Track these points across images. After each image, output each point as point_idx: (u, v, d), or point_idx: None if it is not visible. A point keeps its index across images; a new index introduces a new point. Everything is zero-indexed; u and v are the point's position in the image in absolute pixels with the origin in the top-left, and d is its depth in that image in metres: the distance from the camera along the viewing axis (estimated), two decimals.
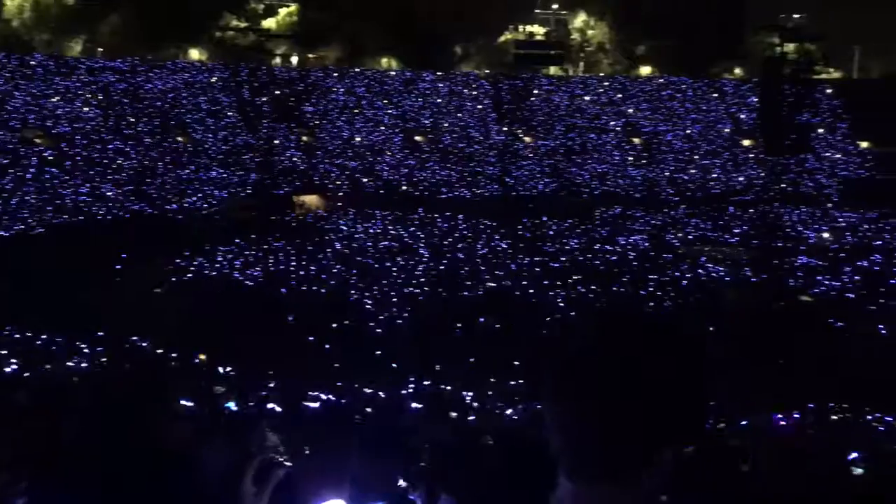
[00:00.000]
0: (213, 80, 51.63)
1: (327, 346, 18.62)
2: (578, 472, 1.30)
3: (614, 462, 1.27)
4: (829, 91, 55.57)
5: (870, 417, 14.76)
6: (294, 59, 60.74)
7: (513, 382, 14.73)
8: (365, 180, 46.99)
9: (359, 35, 62.07)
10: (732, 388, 15.75)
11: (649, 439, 1.26)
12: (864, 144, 53.85)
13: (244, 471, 2.98)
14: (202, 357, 16.14)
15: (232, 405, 9.48)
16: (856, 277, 29.86)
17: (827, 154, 52.75)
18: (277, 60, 56.03)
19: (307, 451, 3.06)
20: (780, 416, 14.54)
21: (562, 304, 24.38)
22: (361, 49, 62.96)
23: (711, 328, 20.92)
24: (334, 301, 24.12)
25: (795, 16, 65.81)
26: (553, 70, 64.67)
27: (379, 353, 18.40)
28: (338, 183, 46.16)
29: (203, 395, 10.22)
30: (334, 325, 21.13)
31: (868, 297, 26.77)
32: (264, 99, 44.08)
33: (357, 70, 58.02)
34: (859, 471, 10.11)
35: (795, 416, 14.49)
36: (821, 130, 52.33)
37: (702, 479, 5.86)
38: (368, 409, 10.96)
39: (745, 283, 29.12)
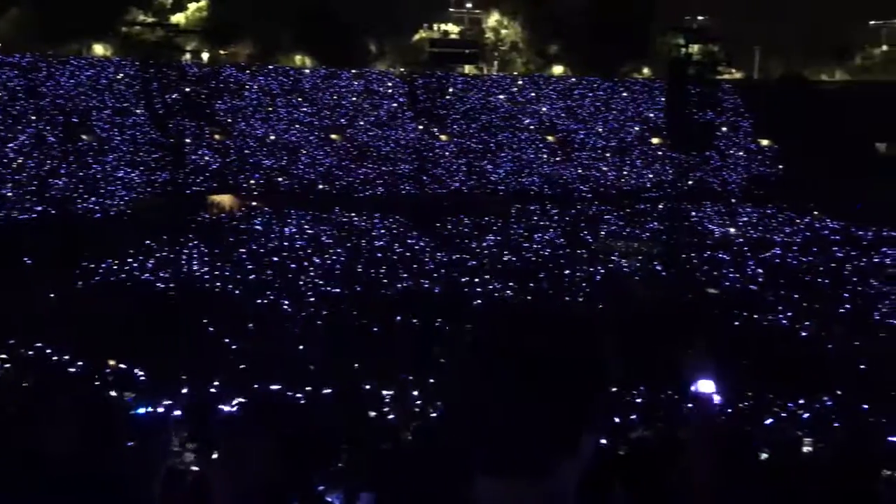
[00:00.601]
0: (120, 76, 50.06)
1: (242, 348, 18.28)
2: (493, 468, 1.30)
3: (528, 456, 1.28)
4: (731, 91, 57.80)
5: (774, 405, 15.41)
6: (205, 56, 59.39)
7: (431, 380, 14.79)
8: (280, 179, 46.31)
9: (271, 32, 61.15)
10: (644, 380, 16.25)
11: (562, 433, 1.28)
12: (765, 142, 56.21)
13: (153, 476, 2.91)
14: (111, 362, 15.61)
15: (141, 410, 9.22)
16: (758, 270, 31.12)
17: (731, 152, 54.84)
18: (187, 57, 54.62)
19: (218, 455, 3.00)
20: (691, 406, 15.00)
21: (479, 302, 24.59)
22: (274, 46, 62.05)
23: (623, 321, 21.50)
24: (249, 302, 23.71)
25: (700, 18, 68.24)
26: (468, 68, 65.15)
27: (295, 353, 18.19)
28: (252, 182, 45.33)
29: (110, 401, 9.89)
30: (249, 327, 20.78)
31: (770, 288, 27.95)
32: (174, 96, 42.86)
33: (270, 67, 57.16)
34: (765, 456, 10.54)
35: (706, 406, 14.97)
36: (725, 129, 54.36)
37: (618, 471, 6.00)
38: (284, 411, 10.83)
39: (655, 277, 29.98)
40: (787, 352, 20.06)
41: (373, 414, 11.63)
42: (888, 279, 29.65)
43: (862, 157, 49.28)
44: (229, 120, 50.23)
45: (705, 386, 2.46)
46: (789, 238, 39.28)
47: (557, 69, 69.32)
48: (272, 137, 50.16)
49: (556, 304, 23.80)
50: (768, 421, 13.97)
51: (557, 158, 53.31)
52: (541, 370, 1.28)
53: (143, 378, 14.44)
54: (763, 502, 6.64)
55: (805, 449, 10.55)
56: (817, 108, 51.74)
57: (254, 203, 42.22)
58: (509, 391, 1.28)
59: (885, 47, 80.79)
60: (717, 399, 2.58)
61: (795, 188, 47.52)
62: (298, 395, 13.46)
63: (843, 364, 19.30)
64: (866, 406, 14.79)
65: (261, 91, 53.51)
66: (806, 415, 14.44)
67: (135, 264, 28.53)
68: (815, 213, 43.55)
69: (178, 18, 60.10)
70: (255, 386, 14.00)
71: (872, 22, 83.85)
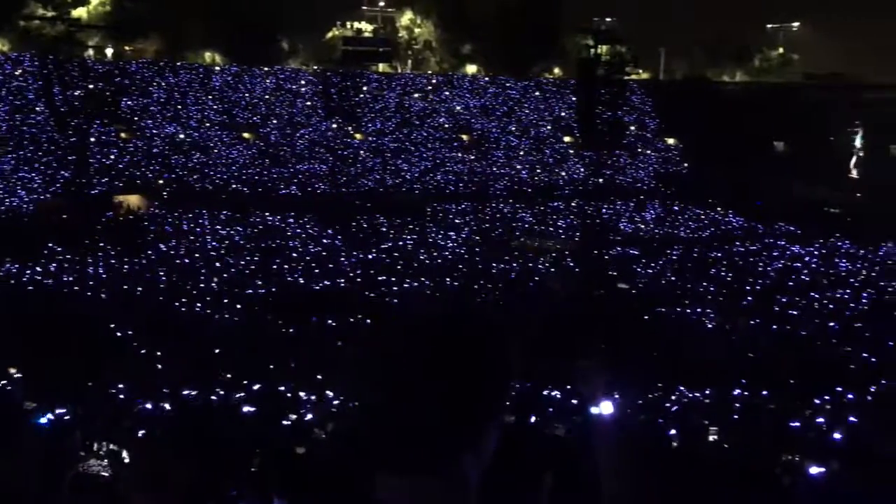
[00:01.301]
0: (18, 72, 47.97)
1: (152, 352, 17.77)
2: (397, 466, 1.31)
3: (431, 453, 1.29)
4: (639, 91, 59.49)
5: (685, 395, 15.94)
6: (109, 52, 57.48)
7: (348, 381, 14.70)
8: (191, 179, 45.21)
9: (179, 28, 59.63)
10: (555, 375, 16.55)
11: (464, 428, 1.30)
12: (671, 141, 58.08)
13: (59, 483, 2.84)
14: (12, 371, 14.96)
15: (44, 419, 8.88)
16: (666, 265, 32.14)
17: (639, 150, 56.44)
18: (90, 53, 52.71)
19: (131, 461, 2.95)
20: (603, 398, 15.37)
21: (395, 301, 24.58)
22: (183, 42, 60.55)
23: (536, 317, 21.88)
24: (160, 305, 23.07)
25: (608, 20, 69.99)
26: (382, 67, 65.06)
27: (209, 356, 17.79)
28: (161, 182, 44.08)
29: (13, 411, 9.49)
30: (160, 330, 20.21)
31: (677, 283, 28.90)
32: (77, 93, 41.25)
33: (179, 64, 55.72)
34: (674, 444, 10.91)
35: (617, 397, 15.38)
36: (633, 128, 55.90)
37: (525, 469, 6.11)
38: (198, 416, 10.60)
39: (568, 273, 30.58)
40: (694, 343, 20.75)
41: (293, 417, 11.50)
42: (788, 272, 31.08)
43: (761, 155, 51.44)
44: (136, 118, 48.74)
45: (605, 407, 2.52)
46: (695, 233, 40.66)
47: (471, 68, 69.95)
48: (181, 136, 48.93)
49: (467, 301, 23.99)
50: (674, 409, 14.44)
51: (472, 157, 53.78)
52: (440, 366, 1.29)
53: (45, 385, 13.89)
54: (673, 488, 6.89)
55: (711, 437, 10.96)
56: (719, 108, 53.75)
57: (163, 204, 41.00)
58: (409, 388, 1.29)
59: (781, 50, 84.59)
60: (613, 413, 2.65)
61: (700, 185, 49.29)
62: (213, 399, 13.20)
63: (747, 354, 20.13)
64: (767, 394, 15.44)
65: (169, 88, 52.11)
66: (712, 403, 14.98)
67: (37, 268, 27.38)
68: (719, 209, 45.23)
69: (79, 13, 57.94)
70: (166, 391, 13.65)
71: (770, 25, 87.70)
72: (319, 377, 14.95)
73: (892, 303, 25.81)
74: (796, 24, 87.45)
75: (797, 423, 12.11)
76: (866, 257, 34.25)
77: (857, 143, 50.71)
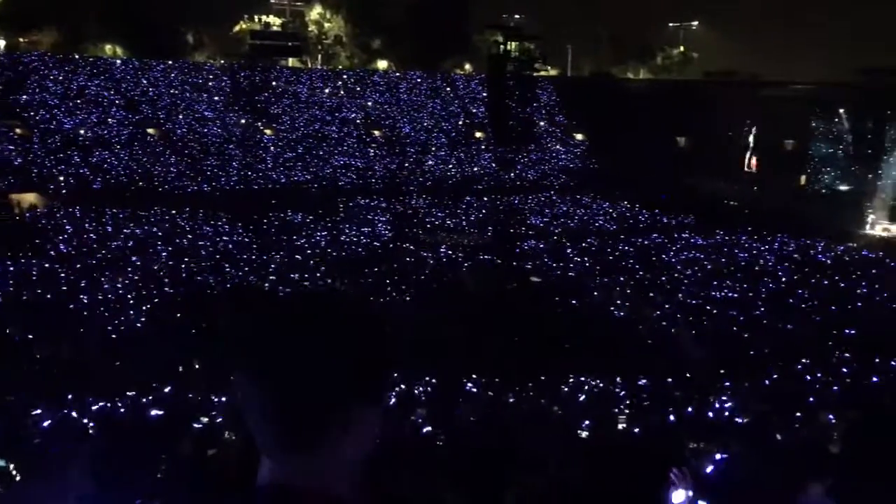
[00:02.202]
0: None
1: (52, 356, 17.06)
2: (271, 446, 1.32)
3: (302, 431, 1.30)
4: (548, 87, 60.49)
5: (596, 385, 16.32)
6: (1, 44, 54.79)
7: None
8: (92, 176, 43.51)
9: (78, 19, 57.34)
10: (471, 366, 16.73)
11: (332, 405, 1.30)
12: (579, 136, 59.29)
13: None
14: None
15: None
16: (576, 258, 32.78)
17: (548, 146, 57.41)
18: None
19: (28, 469, 2.83)
20: (516, 389, 15.64)
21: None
22: (82, 34, 58.23)
23: (451, 310, 22.05)
24: (61, 307, 22.12)
25: (517, 17, 70.90)
26: (291, 62, 64.12)
27: (115, 359, 17.19)
28: (60, 179, 42.28)
29: None
30: (62, 333, 19.41)
31: (587, 275, 29.52)
32: None
33: (78, 57, 53.54)
34: (584, 434, 11.14)
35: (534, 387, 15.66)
36: (542, 123, 56.82)
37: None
38: (102, 423, 10.24)
39: (481, 268, 30.84)
40: (604, 334, 21.23)
41: (204, 420, 11.22)
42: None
43: (664, 150, 53.05)
44: (32, 113, 46.59)
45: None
46: (603, 227, 41.62)
47: (382, 64, 69.71)
48: (82, 132, 47.06)
49: (358, 293, 23.88)
50: (582, 399, 14.78)
51: (383, 152, 53.64)
52: (306, 345, 1.30)
53: None
54: (583, 476, 7.03)
55: (620, 426, 11.24)
56: (624, 105, 55.15)
57: (62, 202, 39.32)
58: (279, 369, 1.29)
59: (682, 48, 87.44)
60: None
61: (607, 179, 50.52)
62: (118, 404, 12.78)
63: (654, 344, 20.75)
64: (672, 382, 15.96)
65: (68, 82, 50.02)
66: (622, 393, 15.38)
67: None
68: (626, 202, 46.44)
69: None
70: (70, 396, 13.14)
71: (671, 24, 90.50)
72: (232, 378, 14.64)
73: (788, 292, 27.05)
74: (695, 23, 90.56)
75: (702, 410, 12.57)
76: (762, 249, 35.77)
77: (751, 139, 52.82)
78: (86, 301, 22.82)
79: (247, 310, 1.33)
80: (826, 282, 28.55)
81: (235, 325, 1.35)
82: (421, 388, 14.73)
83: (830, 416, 11.07)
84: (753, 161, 53.07)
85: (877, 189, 43.88)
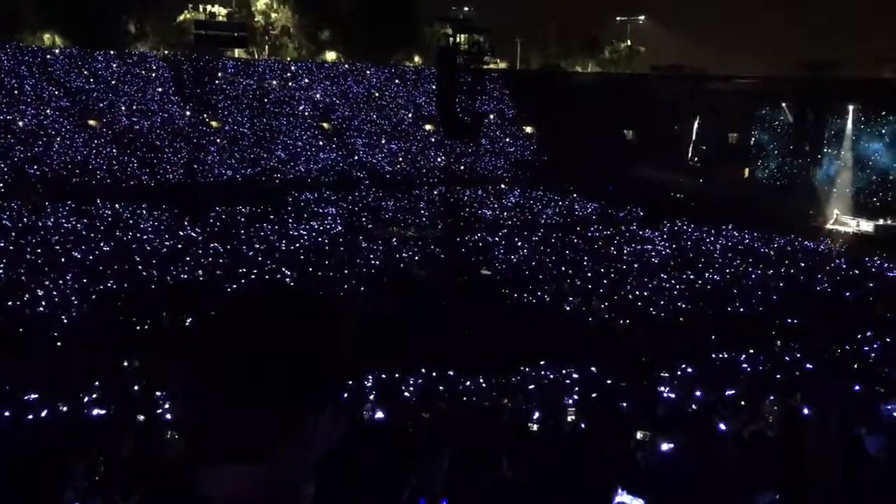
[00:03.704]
0: None
1: None
2: (213, 453, 1.25)
3: (246, 441, 1.24)
4: (497, 80, 60.63)
5: (546, 376, 16.42)
6: None
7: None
8: (31, 169, 42.28)
9: (13, 7, 55.61)
10: (421, 359, 16.70)
11: (282, 417, 1.24)
12: (528, 129, 59.61)
13: None
14: None
15: None
16: (526, 250, 32.98)
17: (498, 138, 57.61)
18: None
19: None
20: (470, 381, 15.66)
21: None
22: (17, 23, 56.51)
23: (401, 303, 22.00)
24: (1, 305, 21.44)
25: (465, 9, 70.85)
26: (237, 53, 63.14)
27: (56, 359, 16.74)
28: None
29: None
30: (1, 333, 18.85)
31: (539, 267, 29.70)
32: None
33: (14, 45, 51.95)
34: (535, 427, 11.18)
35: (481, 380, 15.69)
36: (492, 116, 56.97)
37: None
38: (44, 423, 9.94)
39: (432, 261, 30.81)
40: (553, 326, 21.40)
41: (142, 418, 10.96)
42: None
43: (612, 143, 53.63)
44: None
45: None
46: (552, 219, 41.92)
47: (330, 55, 69.11)
48: (20, 123, 45.72)
49: (308, 288, 23.65)
50: (531, 388, 14.86)
51: (333, 145, 53.22)
52: (266, 356, 1.24)
53: None
54: (536, 468, 7.03)
55: (569, 418, 11.30)
56: (573, 98, 55.60)
57: None
58: (234, 377, 1.23)
59: (629, 42, 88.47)
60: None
61: (556, 172, 50.90)
62: (60, 405, 12.42)
63: (602, 335, 20.98)
64: (620, 373, 16.12)
65: (4, 72, 48.51)
66: (572, 385, 15.49)
67: None
68: (574, 195, 46.84)
69: None
70: (10, 398, 12.76)
71: (619, 18, 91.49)
72: (178, 374, 14.36)
73: (734, 281, 27.58)
74: (642, 17, 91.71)
75: (649, 400, 12.71)
76: (708, 239, 36.42)
77: (695, 132, 53.70)
78: (26, 298, 22.16)
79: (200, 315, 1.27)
80: (770, 271, 29.15)
81: (184, 329, 1.28)
82: (370, 382, 14.64)
83: (773, 403, 11.29)
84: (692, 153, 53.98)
85: (825, 181, 44.73)
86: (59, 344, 18.28)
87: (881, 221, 39.49)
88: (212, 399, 1.24)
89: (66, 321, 20.37)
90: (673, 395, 13.19)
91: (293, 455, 1.26)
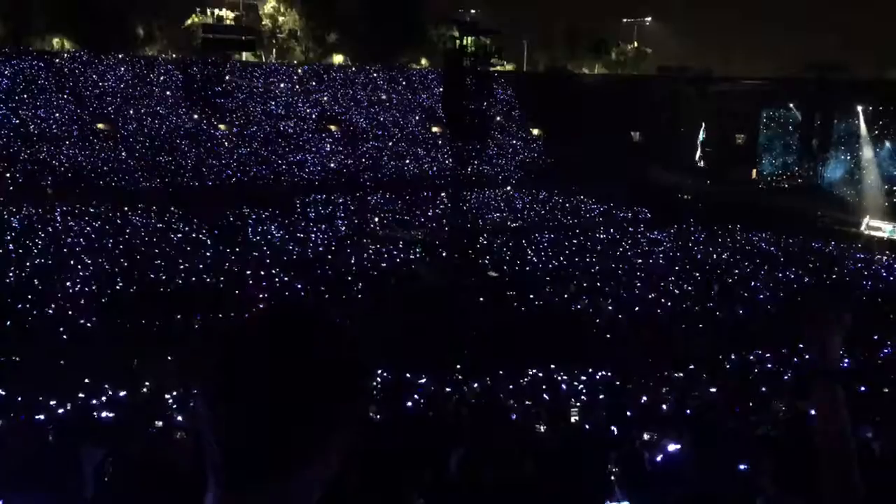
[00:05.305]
0: None
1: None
2: (229, 478, 1.18)
3: (269, 463, 1.16)
4: (504, 82, 60.64)
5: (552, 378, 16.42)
6: None
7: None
8: (42, 172, 42.50)
9: (23, 10, 55.92)
10: (427, 361, 16.72)
11: (296, 438, 1.16)
12: (536, 131, 59.57)
13: None
14: None
15: None
16: (531, 252, 32.97)
17: (505, 141, 57.59)
18: None
19: None
20: (476, 382, 15.68)
21: (265, 296, 24.01)
22: (27, 26, 56.82)
23: (408, 305, 22.03)
24: (7, 307, 21.56)
25: (472, 11, 70.84)
26: (245, 56, 63.29)
27: (66, 361, 16.83)
28: (7, 176, 41.23)
29: None
30: (9, 334, 18.97)
31: (545, 270, 29.69)
32: None
33: (23, 49, 52.26)
34: (542, 428, 11.19)
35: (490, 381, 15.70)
36: (499, 119, 56.96)
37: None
38: (52, 425, 9.99)
39: (440, 263, 30.84)
40: (560, 327, 21.36)
41: (159, 423, 11.01)
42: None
43: (619, 145, 53.55)
44: None
45: None
46: (560, 221, 41.89)
47: (337, 58, 69.23)
48: (31, 127, 45.98)
49: (329, 298, 23.67)
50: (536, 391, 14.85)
51: (340, 148, 53.30)
52: (283, 371, 1.16)
53: None
54: (543, 469, 7.06)
55: (573, 419, 11.32)
56: (580, 99, 55.54)
57: (8, 199, 38.31)
58: (247, 395, 1.15)
59: (636, 43, 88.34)
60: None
61: (563, 174, 50.84)
62: (69, 406, 12.50)
63: (611, 336, 20.96)
64: (625, 373, 16.12)
65: (12, 76, 48.76)
66: (580, 386, 15.49)
67: None
68: (581, 196, 46.79)
69: None
70: (20, 399, 12.84)
71: (626, 20, 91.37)
72: (189, 378, 14.42)
73: (740, 285, 27.51)
74: (648, 19, 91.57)
75: (655, 400, 12.71)
76: (715, 242, 36.34)
77: (702, 133, 53.60)
78: (34, 299, 22.29)
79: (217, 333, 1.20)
80: (780, 274, 29.09)
81: (199, 349, 1.21)
82: (375, 383, 14.67)
83: (782, 406, 11.27)
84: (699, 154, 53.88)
85: (845, 183, 44.22)
86: (68, 346, 18.39)
87: None
88: (234, 419, 1.16)
89: (75, 323, 20.48)
90: (680, 397, 13.18)
91: (306, 478, 1.20)
